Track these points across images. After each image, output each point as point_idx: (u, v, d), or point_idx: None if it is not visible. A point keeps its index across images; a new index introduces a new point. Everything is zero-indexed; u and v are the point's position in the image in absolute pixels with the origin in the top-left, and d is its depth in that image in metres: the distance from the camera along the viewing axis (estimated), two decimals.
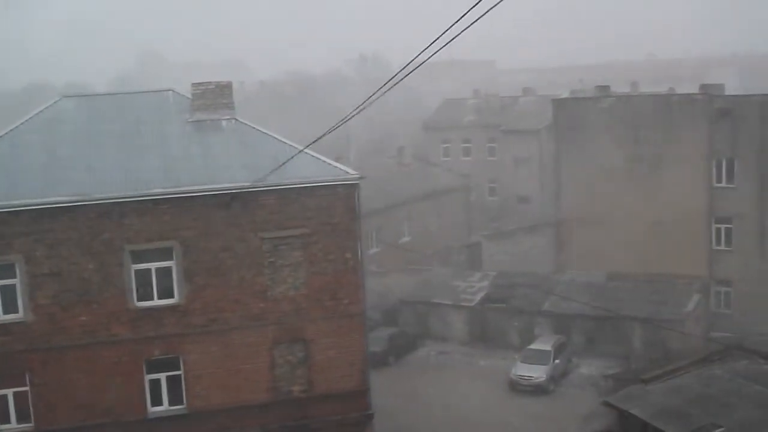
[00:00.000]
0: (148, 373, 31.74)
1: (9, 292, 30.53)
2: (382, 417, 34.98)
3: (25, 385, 30.97)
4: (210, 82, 35.93)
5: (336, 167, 32.54)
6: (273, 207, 31.65)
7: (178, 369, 31.89)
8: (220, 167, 32.51)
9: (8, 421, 31.15)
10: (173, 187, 31.04)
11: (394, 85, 20.24)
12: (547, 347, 49.89)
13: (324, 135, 26.39)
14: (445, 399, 46.00)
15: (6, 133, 33.77)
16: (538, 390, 47.62)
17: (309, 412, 32.76)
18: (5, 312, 30.57)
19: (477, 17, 16.65)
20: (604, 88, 66.90)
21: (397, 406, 42.88)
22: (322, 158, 32.62)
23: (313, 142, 29.07)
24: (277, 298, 32.12)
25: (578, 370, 50.29)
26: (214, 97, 35.48)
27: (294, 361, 32.72)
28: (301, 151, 31.52)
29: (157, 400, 32.01)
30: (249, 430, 32.23)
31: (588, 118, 60.66)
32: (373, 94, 22.14)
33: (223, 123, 35.14)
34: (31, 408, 31.12)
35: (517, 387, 48.01)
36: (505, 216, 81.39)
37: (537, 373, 47.92)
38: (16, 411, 31.11)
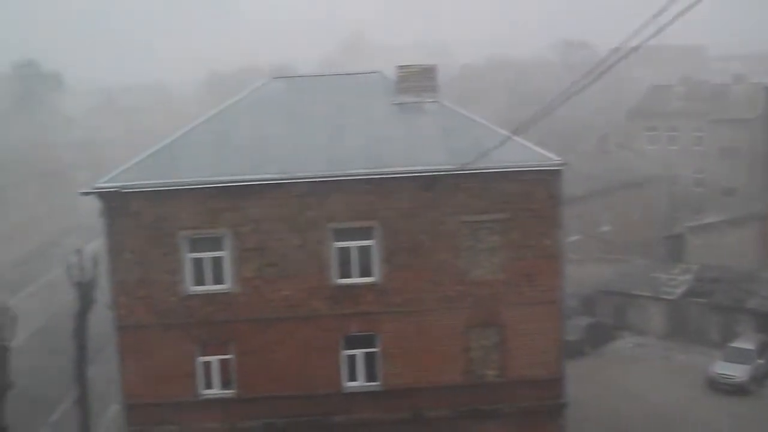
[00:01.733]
0: (345, 348, 32.38)
1: (217, 264, 31.81)
2: (575, 406, 34.39)
3: (229, 354, 32.23)
4: (415, 65, 36.20)
5: (538, 152, 32.12)
6: (474, 191, 31.58)
7: (374, 346, 32.39)
8: (423, 149, 32.70)
9: (212, 387, 32.55)
10: (376, 168, 31.44)
11: (605, 71, 19.67)
12: (751, 346, 47.85)
13: (530, 121, 25.97)
14: (640, 392, 44.85)
15: (217, 113, 35.16)
16: (738, 390, 45.70)
17: (501, 397, 32.61)
18: (214, 283, 31.87)
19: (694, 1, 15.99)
20: None
21: (590, 396, 42.10)
22: (525, 143, 32.27)
23: (521, 128, 28.71)
24: (474, 281, 32.07)
25: None
26: (418, 79, 35.72)
27: (488, 345, 32.64)
28: (507, 137, 31.21)
29: (352, 376, 32.65)
30: (440, 411, 32.41)
31: None
32: (590, 80, 21.45)
33: (427, 106, 35.33)
34: (233, 375, 32.38)
35: (717, 385, 46.24)
36: (709, 208, 78.48)
37: (739, 372, 46.02)
38: (220, 377, 32.46)
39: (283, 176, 31.16)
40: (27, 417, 43.72)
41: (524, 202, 31.68)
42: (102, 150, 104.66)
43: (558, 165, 31.64)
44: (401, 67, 36.13)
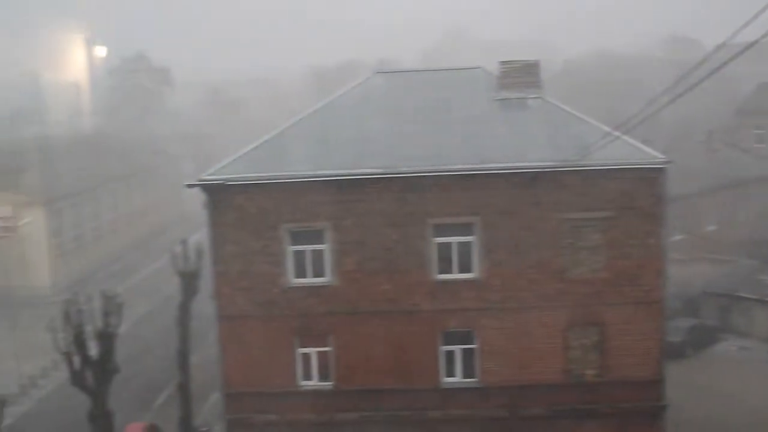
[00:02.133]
0: (444, 344, 32.40)
1: (318, 257, 32.13)
2: (674, 409, 33.81)
3: (328, 346, 32.55)
4: (518, 61, 35.99)
5: (642, 150, 31.62)
6: (575, 188, 31.25)
7: (473, 343, 32.33)
8: (525, 145, 32.50)
9: (310, 378, 32.93)
10: (477, 164, 31.37)
11: (715, 70, 19.21)
12: None
13: (635, 119, 25.55)
14: (742, 396, 43.74)
15: (321, 107, 35.54)
16: None
17: (599, 398, 32.25)
18: (314, 275, 32.22)
19: None
20: None
21: (691, 399, 41.24)
22: (629, 140, 31.80)
23: (624, 125, 28.31)
24: (575, 280, 31.76)
25: None
26: (521, 75, 35.53)
27: (587, 344, 32.29)
28: (611, 134, 30.82)
29: (450, 371, 32.65)
30: (537, 409, 32.21)
31: None
32: (699, 79, 20.93)
33: (530, 101, 35.11)
34: (331, 368, 32.70)
35: None
36: None
37: None
38: (318, 369, 32.81)
39: (385, 171, 31.30)
40: (131, 402, 44.82)
41: (627, 201, 31.24)
42: (207, 142, 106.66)
43: (662, 163, 31.11)
44: (504, 62, 35.98)
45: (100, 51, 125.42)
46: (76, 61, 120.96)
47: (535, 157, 31.49)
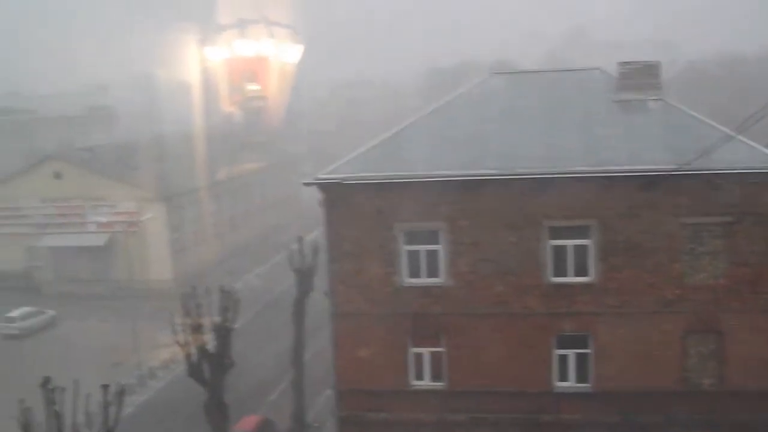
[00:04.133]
0: (557, 348, 32.09)
1: (432, 257, 32.17)
2: None
3: (440, 347, 32.56)
4: (637, 62, 35.40)
5: (766, 154, 30.75)
6: (696, 192, 30.55)
7: (587, 347, 31.93)
8: (644, 148, 31.89)
9: (422, 378, 32.99)
10: (595, 166, 30.97)
11: None
12: None
13: (757, 120, 24.95)
14: None
15: (437, 108, 35.61)
16: None
17: (718, 407, 31.43)
18: (428, 275, 32.29)
19: None
20: None
21: None
22: (752, 144, 30.96)
23: (744, 126, 27.62)
24: (694, 286, 31.03)
25: None
26: (640, 76, 34.90)
27: (705, 352, 31.56)
28: (733, 137, 30.07)
29: (563, 376, 32.31)
30: (652, 416, 31.61)
31: None
32: None
33: (650, 103, 34.47)
34: (444, 368, 32.71)
35: None
36: None
37: None
38: (430, 369, 32.87)
39: (501, 172, 31.15)
40: (246, 395, 45.71)
41: (750, 206, 30.39)
42: (325, 141, 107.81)
43: None
44: (623, 63, 35.42)
45: (211, 52, 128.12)
46: (190, 60, 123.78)
47: (654, 159, 30.90)
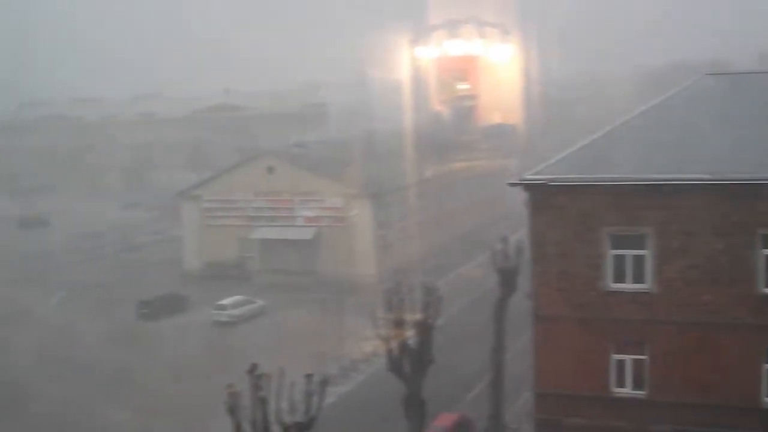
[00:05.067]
0: (767, 362, 30.79)
1: (638, 263, 31.48)
2: None
3: (644, 354, 31.84)
4: None
5: None
6: None
7: None
8: None
9: (624, 386, 32.35)
10: None
11: None
12: None
13: None
14: None
15: (647, 109, 34.86)
16: None
17: None
18: (634, 281, 31.63)
19: None
20: None
21: None
22: None
23: None
24: None
25: None
26: None
27: None
28: None
29: None
30: None
31: None
32: None
33: None
34: (646, 377, 31.96)
35: None
36: None
37: None
38: (632, 377, 32.19)
39: (712, 177, 30.12)
40: (444, 392, 46.02)
41: None
42: (532, 141, 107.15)
43: None
44: None
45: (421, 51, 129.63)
46: (401, 60, 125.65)
47: None
